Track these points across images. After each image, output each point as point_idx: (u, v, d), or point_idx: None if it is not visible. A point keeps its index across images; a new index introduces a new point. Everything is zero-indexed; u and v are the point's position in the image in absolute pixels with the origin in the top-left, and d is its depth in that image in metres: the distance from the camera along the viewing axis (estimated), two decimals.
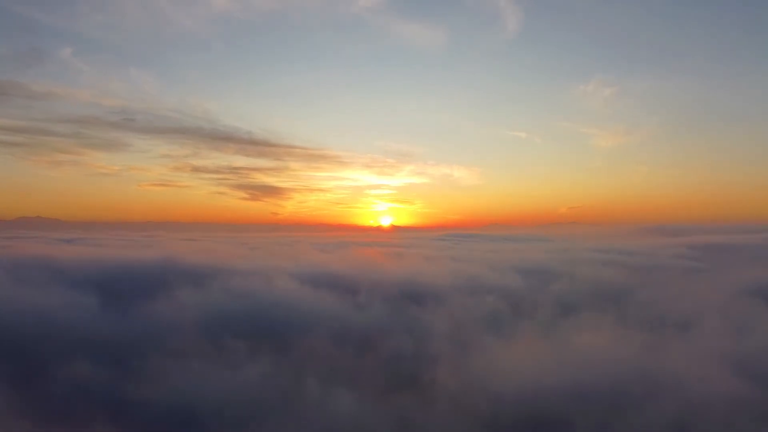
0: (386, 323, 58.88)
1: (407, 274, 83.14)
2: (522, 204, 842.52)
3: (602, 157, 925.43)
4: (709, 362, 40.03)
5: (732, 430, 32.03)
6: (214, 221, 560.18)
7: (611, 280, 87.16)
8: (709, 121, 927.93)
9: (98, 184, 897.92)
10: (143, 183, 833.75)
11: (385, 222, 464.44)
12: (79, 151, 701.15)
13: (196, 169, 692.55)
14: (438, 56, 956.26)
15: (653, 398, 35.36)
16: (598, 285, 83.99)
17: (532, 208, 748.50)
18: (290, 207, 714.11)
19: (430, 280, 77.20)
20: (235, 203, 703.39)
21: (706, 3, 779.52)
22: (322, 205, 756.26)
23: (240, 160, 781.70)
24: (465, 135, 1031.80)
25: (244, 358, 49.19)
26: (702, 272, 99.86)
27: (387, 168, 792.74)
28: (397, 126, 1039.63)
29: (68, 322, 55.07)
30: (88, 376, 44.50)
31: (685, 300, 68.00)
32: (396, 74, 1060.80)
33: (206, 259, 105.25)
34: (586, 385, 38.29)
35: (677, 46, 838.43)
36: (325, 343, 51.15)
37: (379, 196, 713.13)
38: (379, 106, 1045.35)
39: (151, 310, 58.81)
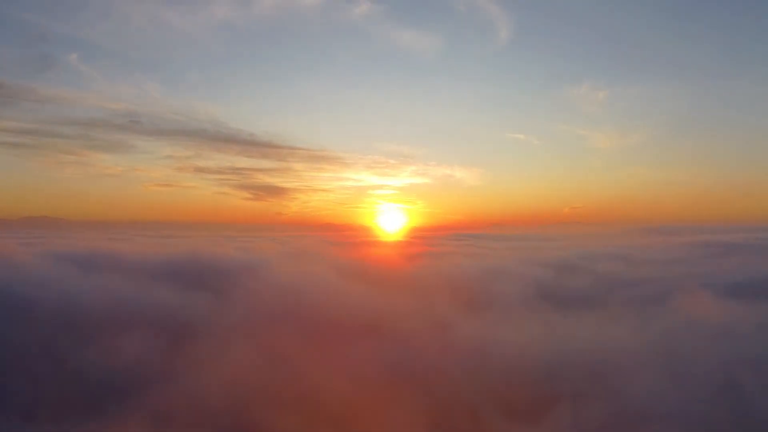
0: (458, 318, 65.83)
1: (463, 271, 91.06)
2: (524, 204, 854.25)
3: (600, 159, 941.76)
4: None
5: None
6: (218, 221, 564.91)
7: (633, 274, 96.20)
8: (701, 124, 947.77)
9: (103, 185, 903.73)
10: (147, 183, 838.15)
11: (391, 222, 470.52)
12: (85, 153, 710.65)
13: (199, 170, 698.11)
14: (433, 62, 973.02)
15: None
16: (622, 278, 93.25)
17: (534, 209, 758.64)
18: (294, 207, 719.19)
19: (489, 276, 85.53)
20: (238, 203, 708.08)
21: (693, 9, 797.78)
22: (326, 205, 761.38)
23: (243, 161, 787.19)
24: (465, 137, 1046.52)
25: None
26: (707, 268, 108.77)
27: (389, 169, 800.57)
28: (398, 129, 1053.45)
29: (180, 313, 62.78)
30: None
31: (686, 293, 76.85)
32: (394, 79, 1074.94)
33: (258, 255, 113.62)
34: None
35: (666, 51, 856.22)
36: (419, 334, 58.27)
37: (383, 197, 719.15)
38: (379, 110, 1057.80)
39: (253, 302, 66.80)
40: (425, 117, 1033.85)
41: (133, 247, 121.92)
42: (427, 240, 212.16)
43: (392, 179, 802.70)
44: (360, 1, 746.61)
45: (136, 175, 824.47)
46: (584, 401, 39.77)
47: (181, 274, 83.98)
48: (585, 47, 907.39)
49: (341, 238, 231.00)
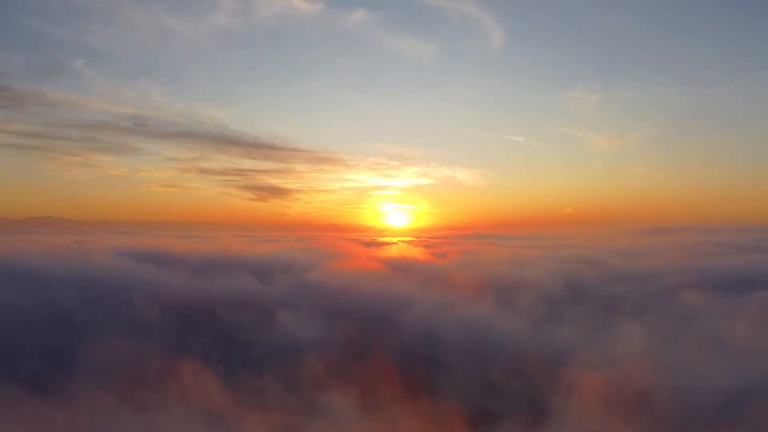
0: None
1: (513, 270, 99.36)
2: (527, 204, 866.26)
3: (599, 160, 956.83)
4: None
5: None
6: (223, 221, 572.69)
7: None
8: (696, 124, 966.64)
9: (108, 186, 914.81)
10: (152, 184, 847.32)
11: (397, 222, 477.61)
12: (90, 155, 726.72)
13: (203, 171, 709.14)
14: (429, 68, 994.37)
15: None
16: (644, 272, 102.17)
17: (536, 209, 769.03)
18: (297, 207, 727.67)
19: (535, 274, 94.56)
20: (242, 204, 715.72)
21: (682, 12, 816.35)
22: (329, 205, 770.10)
23: (246, 163, 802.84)
24: (464, 139, 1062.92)
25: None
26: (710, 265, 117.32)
27: (390, 170, 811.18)
28: (397, 131, 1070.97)
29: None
30: None
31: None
32: (391, 83, 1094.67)
33: (301, 254, 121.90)
34: None
35: (656, 54, 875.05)
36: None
37: (386, 197, 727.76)
38: (378, 113, 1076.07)
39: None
40: (424, 120, 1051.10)
41: (187, 246, 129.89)
42: (445, 239, 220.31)
43: (394, 180, 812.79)
44: (355, 10, 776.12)
45: (141, 176, 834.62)
46: None
47: (250, 269, 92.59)
48: (576, 53, 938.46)
49: (360, 237, 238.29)
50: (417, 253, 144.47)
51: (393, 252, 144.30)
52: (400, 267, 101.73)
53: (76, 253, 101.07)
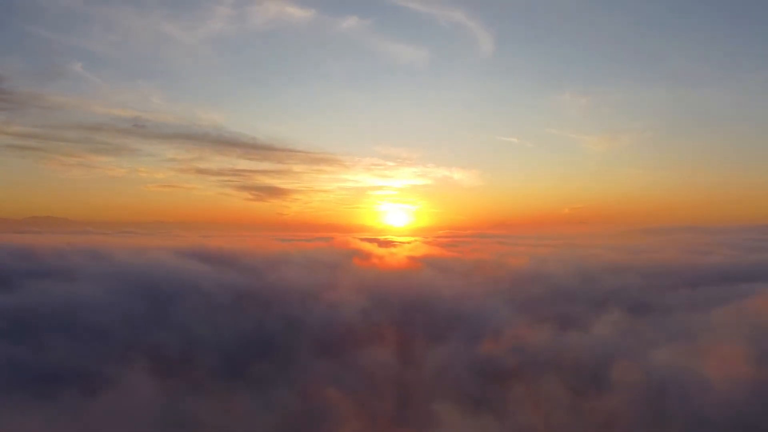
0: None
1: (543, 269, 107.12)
2: (524, 205, 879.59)
3: (592, 161, 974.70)
4: None
5: None
6: (221, 221, 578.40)
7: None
8: (687, 125, 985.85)
9: (106, 186, 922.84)
10: (150, 185, 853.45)
11: (395, 222, 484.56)
12: (89, 156, 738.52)
13: (201, 172, 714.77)
14: (422, 72, 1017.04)
15: None
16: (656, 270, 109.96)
17: (534, 209, 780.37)
18: (295, 208, 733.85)
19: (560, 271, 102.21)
20: (240, 204, 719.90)
21: (666, 15, 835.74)
22: (327, 206, 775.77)
23: (244, 164, 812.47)
24: (460, 141, 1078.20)
25: None
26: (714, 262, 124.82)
27: (387, 171, 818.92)
28: (393, 133, 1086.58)
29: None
30: None
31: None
32: (386, 86, 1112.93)
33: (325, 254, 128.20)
34: None
35: (642, 58, 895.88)
36: None
37: (384, 197, 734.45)
38: (374, 115, 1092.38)
39: None
40: (420, 122, 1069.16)
41: (228, 246, 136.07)
42: (452, 238, 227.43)
43: (391, 180, 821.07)
44: (347, 16, 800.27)
45: (140, 176, 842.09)
46: None
47: (297, 266, 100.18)
48: (564, 57, 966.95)
49: (367, 237, 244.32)
50: (438, 251, 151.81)
51: (415, 250, 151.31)
52: (434, 264, 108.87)
53: (134, 253, 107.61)
